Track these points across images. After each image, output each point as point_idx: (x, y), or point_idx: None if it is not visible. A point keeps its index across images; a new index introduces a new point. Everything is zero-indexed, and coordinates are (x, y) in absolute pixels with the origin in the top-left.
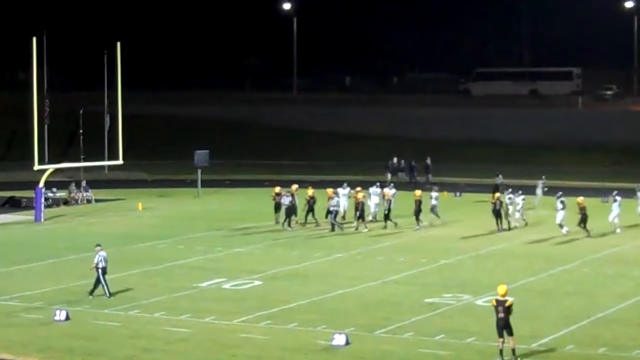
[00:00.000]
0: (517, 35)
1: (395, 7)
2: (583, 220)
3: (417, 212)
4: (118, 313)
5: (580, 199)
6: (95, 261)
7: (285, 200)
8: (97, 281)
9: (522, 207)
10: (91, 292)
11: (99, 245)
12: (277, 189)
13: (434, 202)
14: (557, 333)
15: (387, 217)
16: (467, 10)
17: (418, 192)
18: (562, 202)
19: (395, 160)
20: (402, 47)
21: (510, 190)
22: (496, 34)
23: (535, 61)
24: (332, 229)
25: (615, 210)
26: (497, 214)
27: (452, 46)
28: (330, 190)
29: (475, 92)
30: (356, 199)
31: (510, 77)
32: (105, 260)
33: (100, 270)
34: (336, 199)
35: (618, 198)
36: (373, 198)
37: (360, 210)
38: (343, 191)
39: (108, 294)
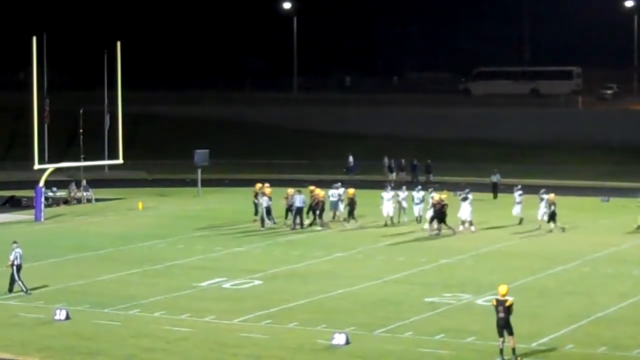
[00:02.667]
0: (517, 35)
1: (395, 6)
2: (438, 217)
3: (351, 210)
4: (118, 312)
5: (437, 196)
6: (11, 258)
7: (297, 201)
8: (12, 278)
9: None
10: (10, 290)
11: (15, 242)
12: (258, 186)
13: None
14: (557, 332)
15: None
16: (467, 9)
17: (351, 191)
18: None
19: (351, 159)
20: (402, 47)
21: (467, 190)
22: (496, 33)
23: (535, 60)
24: (293, 227)
25: (542, 208)
26: (438, 214)
27: (452, 46)
28: (290, 190)
29: (475, 92)
30: (315, 197)
31: (511, 76)
32: (21, 257)
33: (15, 268)
34: (297, 197)
35: (545, 196)
36: (386, 203)
37: (320, 208)
38: (338, 191)
39: (25, 290)
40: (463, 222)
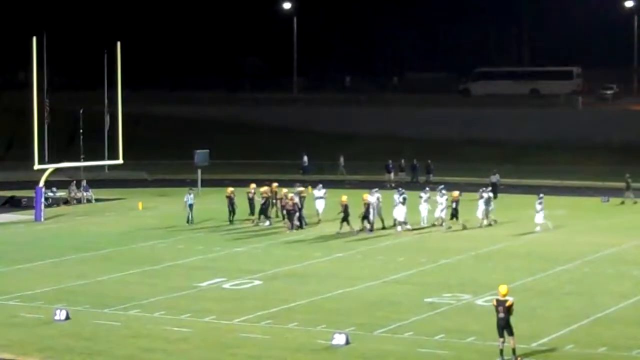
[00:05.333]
0: (517, 35)
1: (396, 7)
2: (345, 218)
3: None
4: (118, 313)
5: (344, 197)
6: None
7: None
8: None
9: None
10: None
11: None
12: (230, 190)
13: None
14: (557, 332)
15: (364, 218)
16: (467, 9)
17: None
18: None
19: (305, 159)
20: (402, 47)
21: (402, 190)
22: (496, 33)
23: (535, 61)
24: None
25: (481, 206)
26: (345, 215)
27: (452, 46)
28: (283, 190)
29: (475, 92)
30: (282, 199)
31: (511, 76)
32: None
33: None
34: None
35: (485, 195)
36: (423, 205)
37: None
38: (318, 192)
39: None
40: (399, 223)
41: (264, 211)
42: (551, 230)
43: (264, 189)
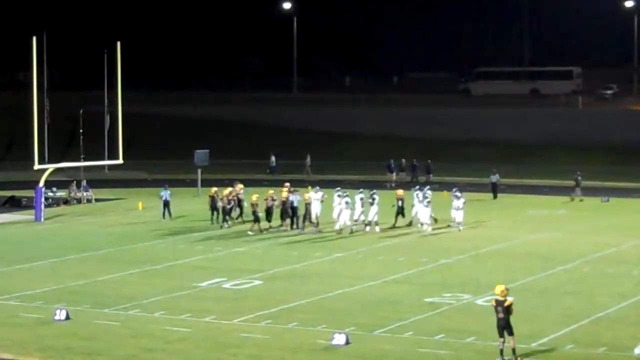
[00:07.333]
0: (517, 35)
1: (396, 6)
2: (255, 219)
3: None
4: (118, 312)
5: (255, 196)
6: None
7: (294, 201)
8: None
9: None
10: None
11: None
12: (214, 190)
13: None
14: (557, 332)
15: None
16: (467, 9)
17: (306, 195)
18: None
19: (273, 159)
20: (402, 47)
21: (374, 191)
22: (496, 33)
23: (535, 61)
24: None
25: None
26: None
27: (452, 46)
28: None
29: (475, 92)
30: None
31: (511, 76)
32: None
33: None
34: (292, 196)
35: (459, 194)
36: (337, 207)
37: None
38: (315, 195)
39: None
40: (369, 223)
41: (227, 213)
42: (428, 232)
43: (227, 191)
